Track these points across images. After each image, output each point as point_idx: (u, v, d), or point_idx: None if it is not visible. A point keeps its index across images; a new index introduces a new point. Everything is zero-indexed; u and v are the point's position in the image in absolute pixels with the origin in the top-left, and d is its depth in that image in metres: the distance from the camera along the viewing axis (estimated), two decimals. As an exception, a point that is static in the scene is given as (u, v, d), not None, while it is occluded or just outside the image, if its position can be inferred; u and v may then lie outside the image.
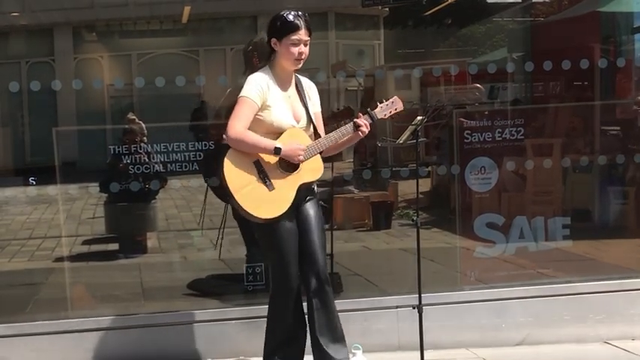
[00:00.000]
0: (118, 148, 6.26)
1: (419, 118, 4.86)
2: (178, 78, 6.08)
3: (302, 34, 4.60)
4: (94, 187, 6.70)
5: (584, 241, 6.80)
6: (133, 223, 6.99)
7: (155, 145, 6.11)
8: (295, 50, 4.61)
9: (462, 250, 6.48)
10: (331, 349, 4.76)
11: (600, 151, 7.09)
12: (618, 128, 7.41)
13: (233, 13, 8.44)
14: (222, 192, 4.81)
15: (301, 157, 4.60)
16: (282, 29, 4.61)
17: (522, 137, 6.44)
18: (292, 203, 4.62)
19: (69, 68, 8.05)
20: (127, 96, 7.73)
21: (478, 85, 7.52)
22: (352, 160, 8.70)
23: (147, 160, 6.15)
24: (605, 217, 7.33)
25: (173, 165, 6.05)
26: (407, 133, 4.91)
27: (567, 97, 7.46)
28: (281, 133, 4.64)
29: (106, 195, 6.75)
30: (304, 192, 4.73)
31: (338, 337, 4.81)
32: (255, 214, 4.57)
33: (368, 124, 4.72)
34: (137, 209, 6.79)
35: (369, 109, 4.79)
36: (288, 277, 4.74)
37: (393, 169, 7.60)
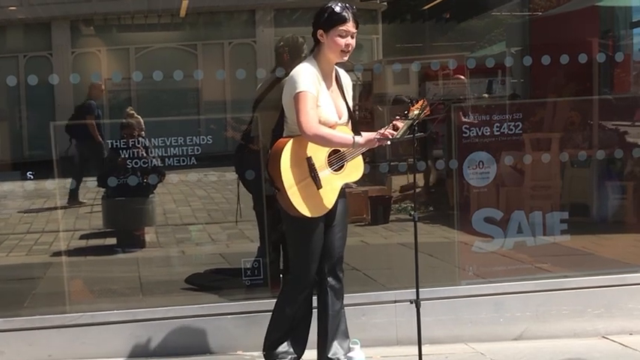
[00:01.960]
0: (116, 142, 6.25)
1: (416, 112, 4.85)
2: (176, 72, 6.07)
3: (350, 26, 4.59)
4: (92, 182, 6.70)
5: (582, 235, 6.80)
6: (131, 218, 6.98)
7: (153, 140, 6.10)
8: (342, 42, 4.58)
9: (460, 244, 6.47)
10: (335, 344, 4.86)
11: (598, 145, 7.09)
12: (617, 123, 7.41)
13: (231, 7, 8.41)
14: (258, 185, 4.80)
15: (387, 135, 4.60)
16: (330, 20, 4.58)
17: (520, 132, 6.44)
18: (336, 203, 4.66)
19: (66, 62, 8.01)
20: (125, 90, 7.71)
21: (461, 76, 7.49)
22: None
23: (145, 154, 6.14)
24: (603, 211, 7.33)
25: (171, 159, 6.04)
26: (404, 128, 4.90)
27: (565, 92, 7.45)
28: None
29: (104, 189, 6.74)
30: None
31: (342, 333, 4.89)
32: (302, 212, 4.57)
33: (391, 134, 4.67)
34: (135, 203, 6.78)
35: (406, 112, 4.65)
36: (308, 272, 4.78)
37: (391, 163, 7.59)
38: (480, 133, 6.33)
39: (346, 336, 4.92)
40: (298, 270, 4.82)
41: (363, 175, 7.80)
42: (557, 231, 6.48)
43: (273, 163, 4.59)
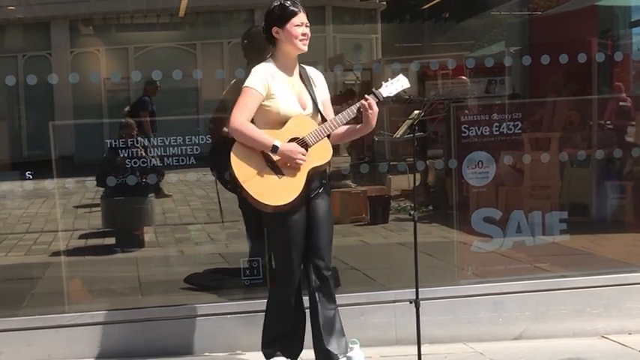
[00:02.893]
0: (115, 142, 6.25)
1: (416, 112, 4.85)
2: (175, 72, 6.06)
3: (302, 17, 4.69)
4: (90, 181, 6.70)
5: (581, 235, 6.79)
6: (130, 217, 6.98)
7: (152, 139, 6.09)
8: (299, 31, 4.66)
9: (459, 244, 6.47)
10: (332, 344, 4.81)
11: (598, 145, 7.08)
12: (616, 122, 7.41)
13: (230, 6, 8.42)
14: (233, 184, 4.83)
15: (299, 161, 4.58)
16: (283, 15, 4.67)
17: (520, 131, 6.43)
18: (302, 190, 4.63)
19: (65, 62, 8.02)
20: (124, 90, 7.72)
21: (463, 77, 7.50)
22: (349, 154, 8.69)
23: (144, 154, 6.14)
24: (603, 211, 7.33)
25: (170, 159, 6.04)
26: (404, 127, 4.90)
27: (565, 91, 7.45)
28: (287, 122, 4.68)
29: (103, 189, 6.74)
30: (316, 180, 4.75)
31: (338, 332, 4.85)
32: (264, 202, 4.58)
33: (374, 103, 4.70)
34: (134, 203, 6.78)
35: (373, 89, 4.77)
36: (291, 268, 4.79)
37: (391, 163, 7.60)
38: (479, 133, 6.33)
39: (342, 334, 4.90)
40: (281, 266, 4.85)
41: (363, 175, 7.88)
42: (556, 231, 6.47)
43: (228, 162, 4.63)
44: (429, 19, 9.42)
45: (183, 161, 6.02)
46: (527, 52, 7.13)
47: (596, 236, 7.13)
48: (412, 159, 5.11)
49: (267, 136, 4.60)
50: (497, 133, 6.36)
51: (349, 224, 7.80)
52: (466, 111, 6.64)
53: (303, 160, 4.59)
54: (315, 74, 4.94)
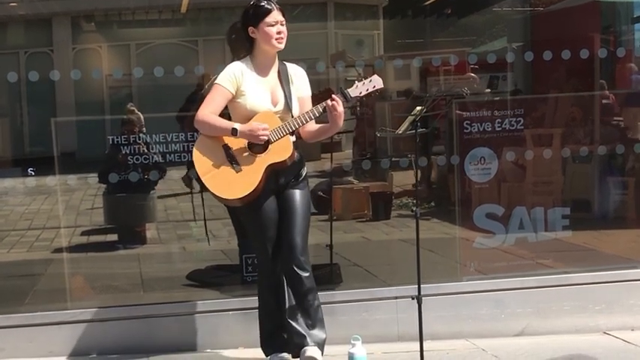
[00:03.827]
0: (117, 138, 6.25)
1: (418, 108, 4.85)
2: (177, 68, 6.07)
3: (276, 15, 4.75)
4: (93, 178, 6.70)
5: (583, 231, 6.79)
6: (132, 214, 6.98)
7: (154, 136, 6.10)
8: (273, 30, 4.73)
9: (461, 240, 6.47)
10: (304, 333, 4.82)
11: (600, 141, 7.07)
12: (619, 118, 7.40)
13: (232, 2, 8.40)
14: (187, 180, 4.96)
15: (263, 136, 4.66)
16: (257, 15, 4.76)
17: (522, 127, 6.42)
18: (260, 185, 4.68)
19: (67, 58, 8.02)
20: (126, 86, 7.71)
21: (472, 74, 7.49)
22: (352, 150, 8.70)
23: (146, 150, 6.14)
24: (605, 207, 7.33)
25: (172, 155, 6.04)
26: (406, 124, 4.90)
27: (567, 87, 7.44)
28: None
29: (105, 185, 6.74)
30: (283, 176, 4.81)
31: (311, 323, 4.87)
32: (220, 195, 4.72)
33: (339, 103, 4.71)
34: (136, 200, 6.78)
35: (341, 87, 4.82)
36: (266, 259, 4.89)
37: (392, 159, 7.60)
38: (481, 129, 6.32)
39: (318, 327, 4.88)
40: (258, 258, 5.02)
41: (365, 171, 7.89)
42: (558, 227, 6.46)
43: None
44: (431, 15, 9.42)
45: (185, 158, 6.02)
46: (530, 48, 7.11)
47: (598, 232, 7.12)
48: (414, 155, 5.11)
49: (227, 122, 4.75)
50: (500, 129, 6.36)
51: (351, 220, 7.80)
52: (468, 107, 6.63)
53: (265, 134, 4.66)
54: (295, 71, 4.98)
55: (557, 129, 6.96)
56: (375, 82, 4.79)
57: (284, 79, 4.87)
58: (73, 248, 6.65)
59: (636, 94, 7.51)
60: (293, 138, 4.83)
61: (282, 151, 4.73)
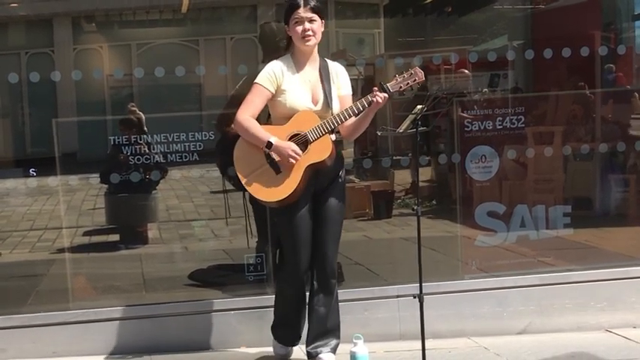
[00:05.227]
0: (119, 138, 6.25)
1: (419, 107, 4.85)
2: (178, 68, 6.08)
3: (302, 12, 4.68)
4: (94, 178, 6.70)
5: (585, 229, 6.79)
6: (134, 214, 6.98)
7: (155, 136, 6.10)
8: (299, 28, 4.68)
9: (463, 238, 6.47)
10: (314, 344, 4.95)
11: (601, 138, 7.07)
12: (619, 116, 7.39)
13: (233, 2, 8.40)
14: (236, 180, 4.91)
15: (292, 159, 4.61)
16: (287, 13, 4.74)
17: (523, 125, 6.43)
18: (299, 187, 4.65)
19: (68, 59, 8.00)
20: (127, 86, 7.70)
21: (465, 70, 7.48)
22: (353, 149, 8.68)
23: (147, 150, 6.14)
24: (606, 205, 7.32)
25: (173, 155, 6.05)
26: (407, 122, 4.90)
27: (568, 85, 7.43)
28: None
29: (107, 186, 6.74)
30: (323, 176, 4.78)
31: (329, 330, 4.97)
32: (261, 198, 4.70)
33: (382, 97, 4.67)
34: (138, 200, 6.78)
35: (381, 82, 4.78)
36: (297, 263, 4.87)
37: (394, 158, 7.59)
38: (482, 127, 6.32)
39: (332, 335, 4.96)
40: (287, 261, 4.95)
41: (366, 170, 7.89)
42: (560, 225, 6.47)
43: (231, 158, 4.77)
44: (432, 14, 9.41)
45: (186, 158, 6.02)
46: (530, 46, 7.11)
47: (599, 230, 7.12)
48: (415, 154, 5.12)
49: (265, 132, 4.66)
50: (501, 127, 6.36)
51: (352, 219, 7.80)
52: (469, 105, 6.63)
53: (295, 159, 4.61)
54: (337, 69, 4.94)
55: (558, 127, 6.96)
56: (416, 76, 4.77)
57: (325, 76, 4.83)
58: (75, 248, 6.65)
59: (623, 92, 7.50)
60: (333, 137, 4.81)
61: (321, 150, 4.70)
